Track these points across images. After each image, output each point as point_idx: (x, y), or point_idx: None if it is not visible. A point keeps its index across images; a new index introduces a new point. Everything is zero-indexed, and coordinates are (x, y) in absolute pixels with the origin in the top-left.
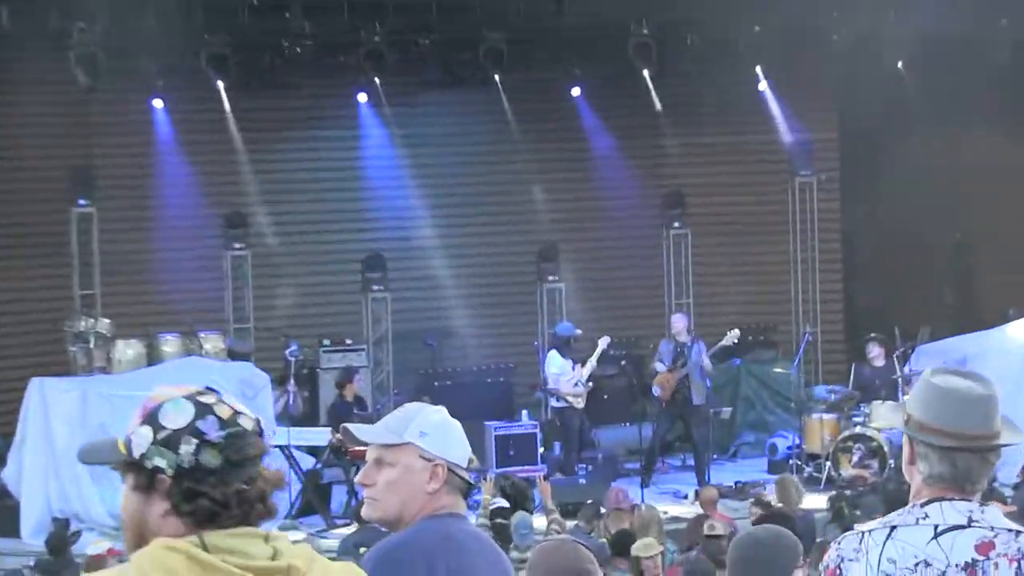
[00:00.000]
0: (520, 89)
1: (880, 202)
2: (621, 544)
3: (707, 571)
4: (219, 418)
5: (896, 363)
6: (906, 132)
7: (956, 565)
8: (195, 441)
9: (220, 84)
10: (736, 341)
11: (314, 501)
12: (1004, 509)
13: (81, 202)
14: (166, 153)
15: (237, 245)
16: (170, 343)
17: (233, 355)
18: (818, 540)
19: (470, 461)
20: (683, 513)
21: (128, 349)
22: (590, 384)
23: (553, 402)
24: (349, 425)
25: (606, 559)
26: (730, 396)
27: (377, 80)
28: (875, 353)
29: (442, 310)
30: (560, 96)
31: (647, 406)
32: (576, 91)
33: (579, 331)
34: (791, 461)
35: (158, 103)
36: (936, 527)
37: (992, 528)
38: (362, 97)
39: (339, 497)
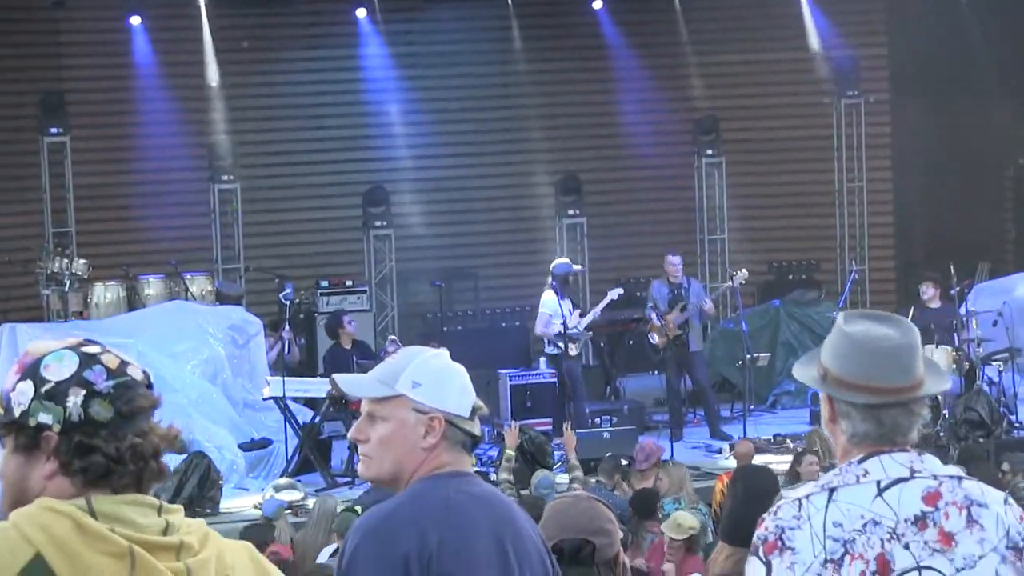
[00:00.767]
0: (534, 1)
1: (934, 126)
2: (645, 505)
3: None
4: (106, 368)
5: (953, 304)
6: (962, 48)
7: (906, 520)
8: (83, 392)
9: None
10: (744, 282)
11: (312, 457)
12: None
13: (53, 131)
14: (145, 77)
15: (225, 177)
16: (152, 286)
17: (222, 298)
18: None
19: (475, 410)
20: (716, 469)
21: (106, 292)
22: (589, 332)
23: (547, 348)
24: (338, 377)
25: (628, 519)
26: (768, 341)
27: None
28: (930, 294)
29: (451, 248)
30: (579, 9)
31: (650, 354)
32: (598, 3)
33: (578, 267)
34: None
35: (136, 21)
36: (879, 483)
37: (935, 477)
38: (360, 12)
39: (340, 453)
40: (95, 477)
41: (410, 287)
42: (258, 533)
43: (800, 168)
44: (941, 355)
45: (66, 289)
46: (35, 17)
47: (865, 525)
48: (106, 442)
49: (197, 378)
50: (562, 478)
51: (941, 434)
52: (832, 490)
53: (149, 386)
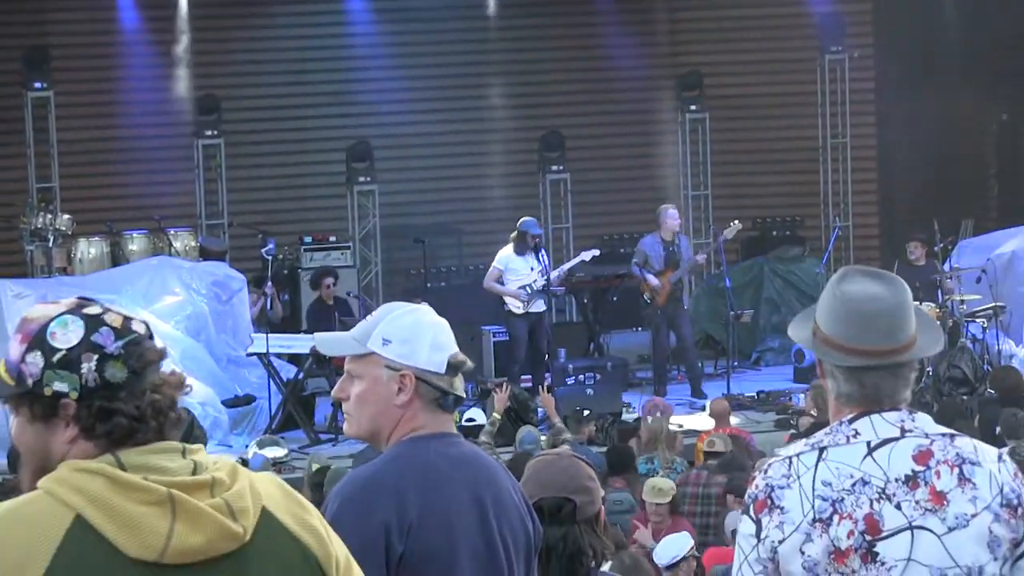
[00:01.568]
0: None
1: (918, 81)
2: (619, 461)
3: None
4: (112, 328)
5: (936, 261)
6: (947, 3)
7: (896, 479)
8: (95, 356)
9: None
10: (735, 233)
11: (296, 414)
12: None
13: (37, 86)
14: (130, 31)
15: (209, 132)
16: (136, 241)
17: (205, 254)
18: None
19: (455, 366)
20: (700, 426)
21: (91, 248)
22: (560, 290)
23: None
24: (317, 335)
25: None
26: (752, 297)
27: None
28: (917, 254)
29: (435, 204)
30: None
31: (642, 311)
32: None
33: (540, 231)
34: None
35: None
36: (869, 443)
37: (927, 435)
38: None
39: (324, 410)
40: (120, 438)
41: (394, 243)
42: None
43: (784, 124)
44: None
45: (50, 245)
46: None
47: (854, 485)
48: (125, 403)
49: (180, 334)
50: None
51: (925, 392)
52: (822, 449)
53: (151, 337)
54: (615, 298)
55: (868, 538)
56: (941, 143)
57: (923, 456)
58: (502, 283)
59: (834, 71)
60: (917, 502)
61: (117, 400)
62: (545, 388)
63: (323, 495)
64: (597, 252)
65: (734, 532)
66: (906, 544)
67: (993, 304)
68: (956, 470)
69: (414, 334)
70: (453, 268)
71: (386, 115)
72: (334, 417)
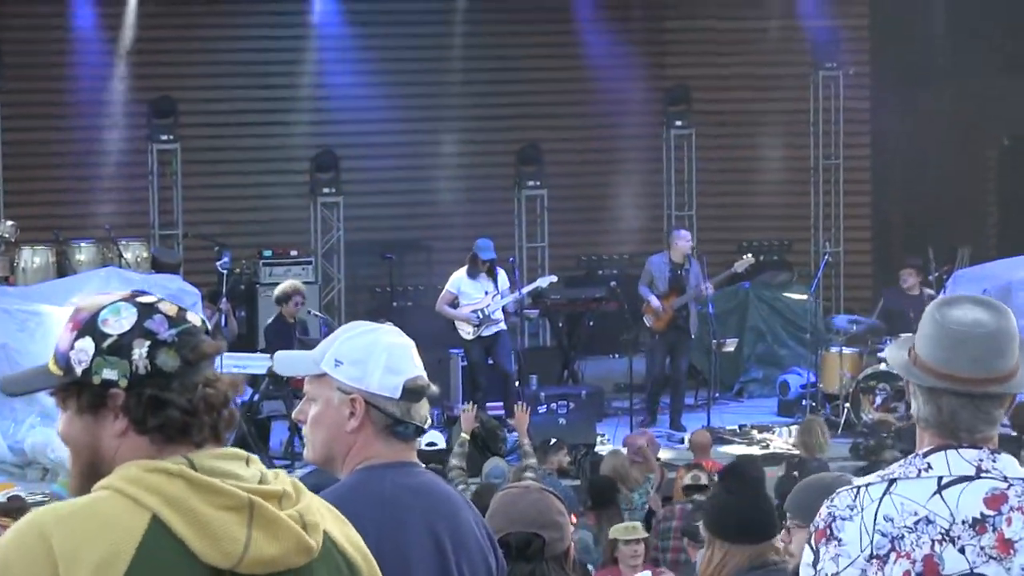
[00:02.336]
0: None
1: (916, 101)
2: (601, 494)
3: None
4: (166, 316)
5: (931, 291)
6: (946, 22)
7: (963, 522)
8: (147, 343)
9: None
10: (748, 268)
11: (250, 437)
12: None
13: None
14: (83, 30)
15: (165, 137)
16: (84, 251)
17: (158, 266)
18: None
19: (414, 391)
20: (678, 459)
21: (35, 257)
22: (497, 317)
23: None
24: (278, 353)
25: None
26: (736, 325)
27: None
28: (910, 283)
29: (403, 219)
30: None
31: (639, 335)
32: None
33: (493, 255)
34: (804, 401)
35: None
36: (940, 479)
37: (1005, 479)
38: None
39: (279, 434)
40: (173, 432)
41: (359, 259)
42: None
43: (774, 143)
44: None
45: None
46: None
47: (917, 523)
48: (178, 394)
49: None
50: None
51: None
52: (892, 481)
53: (207, 332)
54: (592, 322)
55: None
56: (938, 167)
57: (996, 500)
58: (456, 307)
59: (828, 88)
60: (982, 548)
61: (169, 390)
62: (521, 407)
63: None
64: (554, 278)
65: None
66: None
67: None
68: None
69: (367, 355)
70: (421, 287)
71: (354, 123)
72: (290, 442)
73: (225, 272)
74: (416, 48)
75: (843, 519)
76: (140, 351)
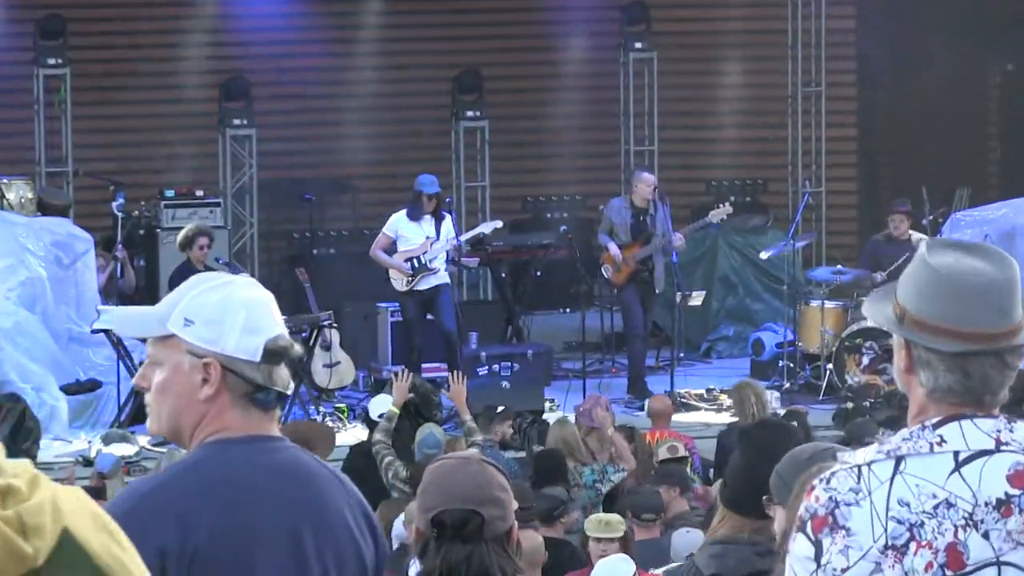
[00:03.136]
0: None
1: (908, 20)
2: (549, 467)
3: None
4: None
5: (924, 236)
6: None
7: (986, 504)
8: None
9: None
10: (725, 218)
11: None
12: None
13: None
14: None
15: (52, 61)
16: None
17: (45, 208)
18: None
19: (275, 353)
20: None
21: None
22: (435, 266)
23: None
24: (115, 310)
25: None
26: (703, 275)
27: None
28: (901, 229)
29: (325, 154)
30: None
31: (595, 287)
32: None
33: (438, 189)
34: (781, 362)
35: None
36: (956, 454)
37: None
38: None
39: None
40: None
41: (274, 200)
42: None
43: (747, 68)
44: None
45: None
46: None
47: (937, 507)
48: None
49: (12, 304)
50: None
51: None
52: (900, 459)
53: None
54: (539, 273)
55: (949, 573)
56: (932, 95)
57: (1021, 476)
58: (392, 253)
59: (808, 6)
60: (1008, 533)
61: None
62: (456, 378)
63: None
64: (500, 224)
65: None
66: None
67: None
68: None
69: (222, 313)
70: (345, 232)
71: (267, 44)
72: None
73: (121, 215)
74: None
75: (848, 504)
76: None
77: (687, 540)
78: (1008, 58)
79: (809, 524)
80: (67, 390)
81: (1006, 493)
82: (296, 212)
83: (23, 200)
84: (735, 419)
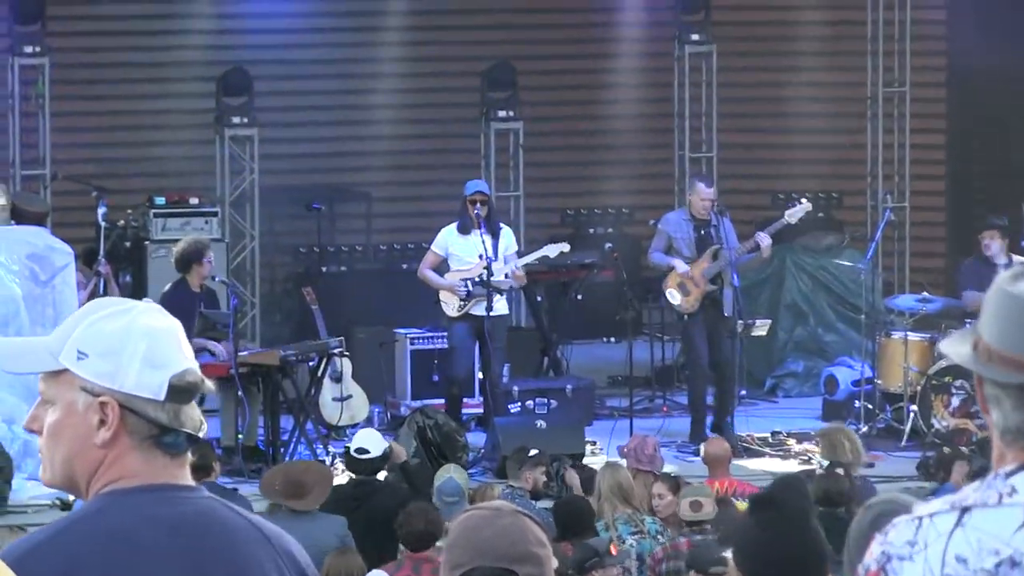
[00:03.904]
0: None
1: (1007, 13)
2: (572, 520)
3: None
4: None
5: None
6: None
7: None
8: None
9: None
10: (802, 216)
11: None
12: None
13: None
14: None
15: (29, 49)
16: None
17: (19, 216)
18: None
19: (180, 391)
20: (690, 476)
21: None
22: (509, 284)
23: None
24: None
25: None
26: (768, 301)
27: None
28: (994, 249)
29: (336, 158)
30: None
31: (643, 313)
32: None
33: (484, 188)
34: (857, 403)
35: None
36: None
37: None
38: None
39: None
40: None
41: (278, 210)
42: None
43: (821, 65)
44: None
45: None
46: None
47: (999, 564)
48: None
49: None
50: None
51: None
52: (965, 510)
53: None
54: (580, 296)
55: None
56: None
57: None
58: (442, 272)
59: None
60: None
61: None
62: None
63: None
64: (567, 247)
65: None
66: None
67: None
68: None
69: (120, 344)
70: (358, 247)
71: (272, 34)
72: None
73: (104, 225)
74: None
75: (901, 559)
76: None
77: None
78: None
79: None
80: None
81: None
82: (303, 224)
83: None
84: (804, 467)
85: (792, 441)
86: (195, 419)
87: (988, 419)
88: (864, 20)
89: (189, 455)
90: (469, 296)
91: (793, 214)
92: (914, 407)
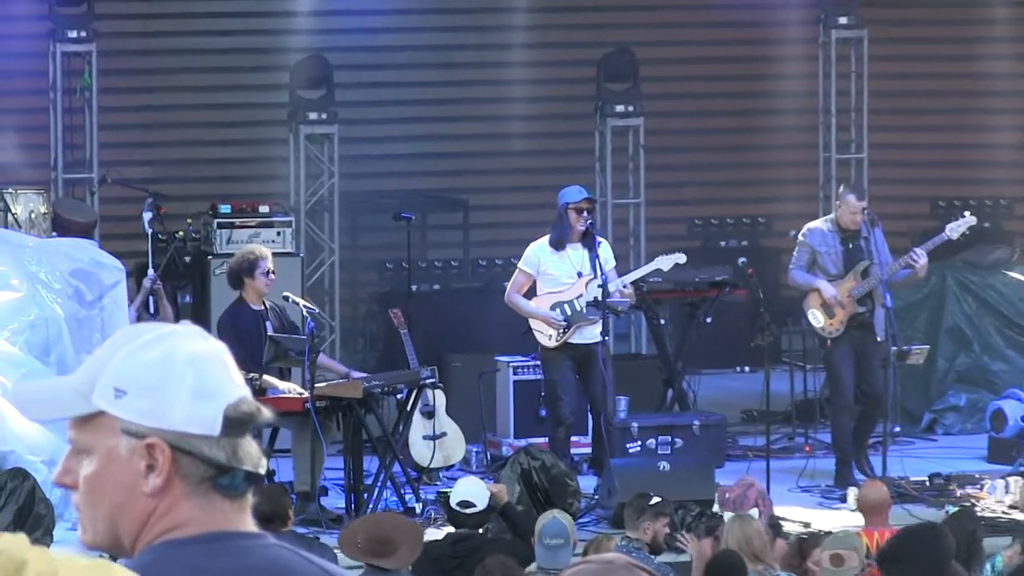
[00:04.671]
0: None
1: None
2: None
3: None
4: None
5: None
6: None
7: None
8: None
9: None
10: (965, 232)
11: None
12: None
13: None
14: None
15: (74, 34)
16: None
17: (62, 226)
18: None
19: (236, 423)
20: (838, 526)
21: None
22: (624, 305)
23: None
24: (17, 385)
25: None
26: (927, 325)
27: None
28: None
29: (427, 160)
30: None
31: (782, 338)
32: None
33: (587, 195)
34: None
35: None
36: None
37: None
38: None
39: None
40: None
41: (362, 220)
42: None
43: (988, 51)
44: None
45: None
46: None
47: None
48: None
49: (19, 351)
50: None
51: None
52: None
53: None
54: (709, 319)
55: None
56: None
57: None
58: (531, 296)
59: None
60: None
61: None
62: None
63: None
64: (683, 258)
65: None
66: None
67: None
68: None
69: (163, 376)
70: (454, 263)
71: (355, 16)
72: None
73: (151, 231)
74: None
75: None
76: None
77: None
78: None
79: None
80: None
81: None
82: (390, 236)
83: (34, 216)
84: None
85: (954, 485)
86: (253, 455)
87: None
88: None
89: (250, 497)
90: (569, 323)
91: (954, 229)
92: None
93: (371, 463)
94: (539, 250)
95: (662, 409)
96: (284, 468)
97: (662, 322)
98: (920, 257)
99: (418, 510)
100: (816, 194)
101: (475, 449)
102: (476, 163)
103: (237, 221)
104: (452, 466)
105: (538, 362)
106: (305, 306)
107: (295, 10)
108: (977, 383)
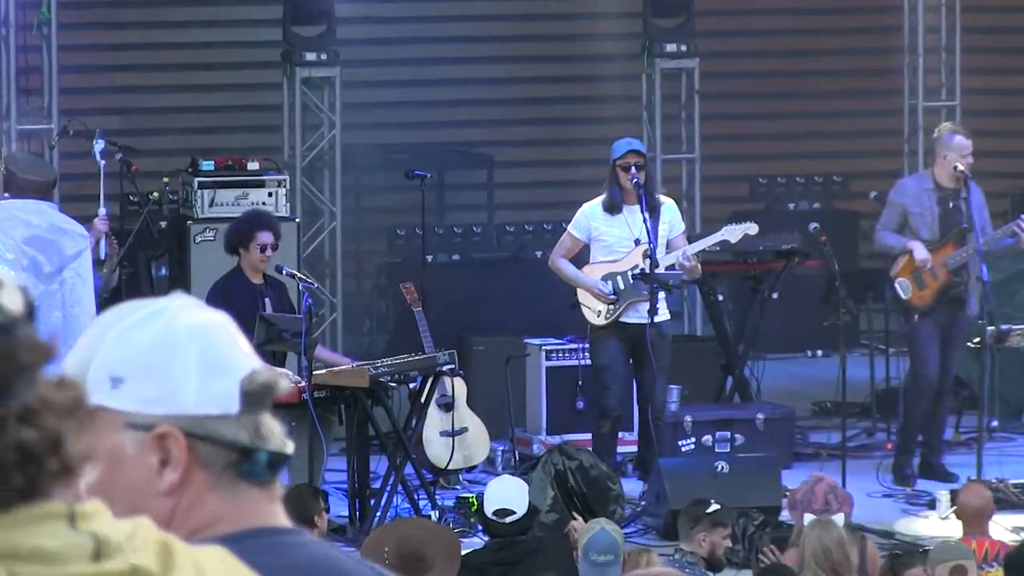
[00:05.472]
0: None
1: None
2: None
3: None
4: None
5: None
6: None
7: None
8: None
9: None
10: None
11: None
12: None
13: None
14: None
15: None
16: None
17: (15, 186)
18: None
19: (253, 396)
20: (930, 534)
21: None
22: (681, 277)
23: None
24: None
25: None
26: (1022, 305)
27: None
28: None
29: (443, 108)
30: None
31: (860, 317)
32: None
33: (640, 146)
34: None
35: None
36: None
37: None
38: None
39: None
40: None
41: (368, 178)
42: None
43: None
44: None
45: None
46: None
47: None
48: None
49: None
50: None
51: None
52: None
53: (32, 316)
54: (775, 295)
55: None
56: None
57: None
58: (581, 264)
59: None
60: None
61: None
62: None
63: None
64: (755, 228)
65: None
66: None
67: None
68: None
69: (165, 355)
70: (476, 229)
71: None
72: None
73: (103, 163)
74: None
75: None
76: None
77: None
78: None
79: None
80: None
81: None
82: (400, 197)
83: None
84: None
85: None
86: (277, 432)
87: None
88: None
89: (279, 485)
90: (619, 297)
91: None
92: None
93: (379, 464)
94: (591, 212)
95: (720, 400)
96: None
97: (720, 298)
98: (1019, 230)
99: (433, 518)
100: (900, 148)
101: (501, 447)
102: (502, 112)
103: (222, 180)
104: (474, 467)
105: (574, 345)
106: (301, 280)
107: None
108: None
